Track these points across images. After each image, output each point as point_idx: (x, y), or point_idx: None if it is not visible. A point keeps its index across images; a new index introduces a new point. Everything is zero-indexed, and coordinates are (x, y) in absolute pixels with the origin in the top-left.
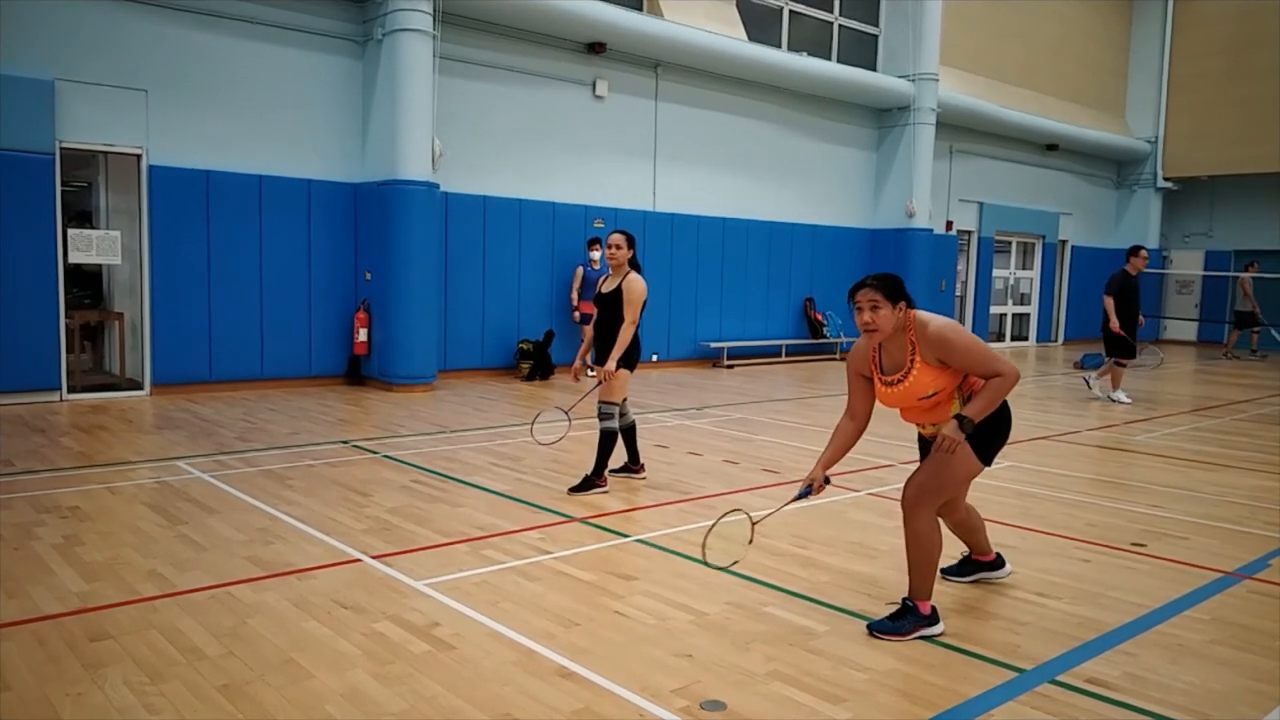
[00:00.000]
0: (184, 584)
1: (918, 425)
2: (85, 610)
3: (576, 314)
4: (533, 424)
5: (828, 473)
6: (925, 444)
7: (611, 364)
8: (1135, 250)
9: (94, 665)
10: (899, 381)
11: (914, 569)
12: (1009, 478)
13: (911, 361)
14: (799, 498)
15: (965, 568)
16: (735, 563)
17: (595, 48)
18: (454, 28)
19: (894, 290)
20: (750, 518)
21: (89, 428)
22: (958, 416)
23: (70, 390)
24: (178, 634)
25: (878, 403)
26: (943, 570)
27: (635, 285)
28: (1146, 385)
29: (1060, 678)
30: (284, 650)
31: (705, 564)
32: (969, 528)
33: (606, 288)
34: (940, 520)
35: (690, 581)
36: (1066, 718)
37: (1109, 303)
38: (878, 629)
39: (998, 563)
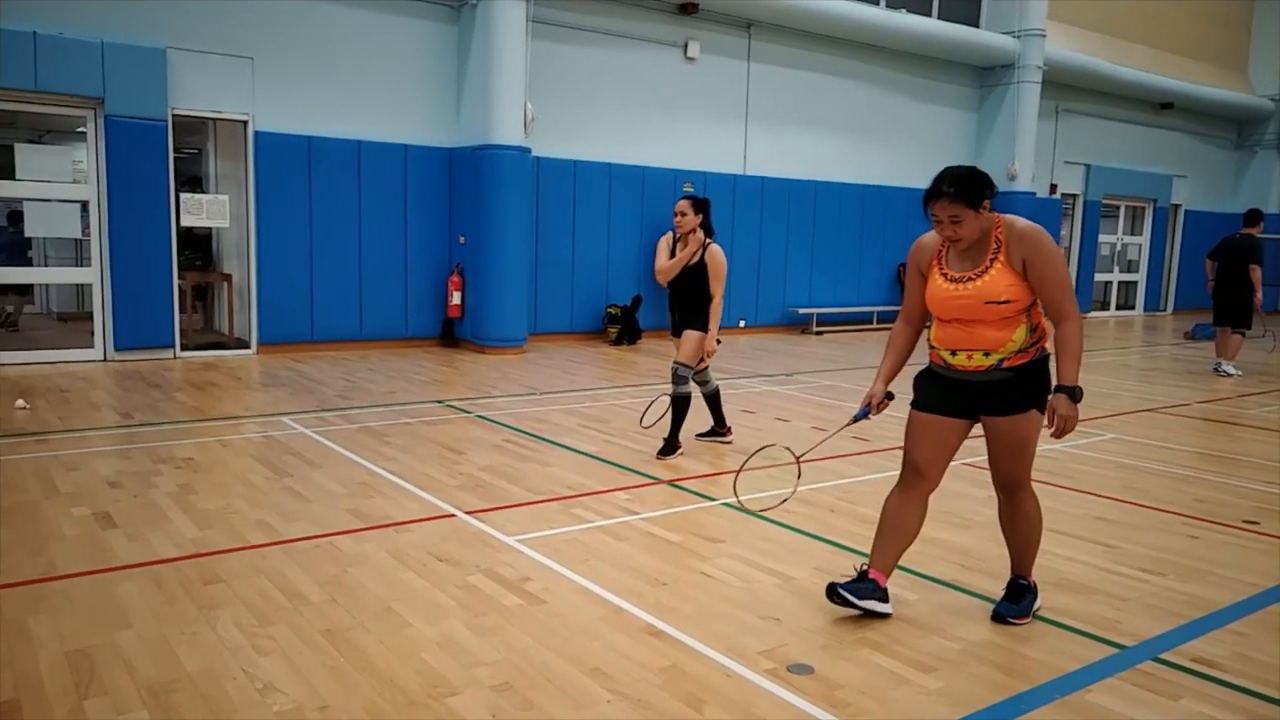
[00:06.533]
0: (289, 533)
1: (952, 350)
2: (199, 555)
3: None
4: (644, 414)
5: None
6: (948, 383)
7: (712, 342)
8: (1261, 215)
9: (207, 607)
10: (969, 280)
11: (1027, 549)
12: (1112, 450)
13: (992, 261)
14: (857, 419)
15: (861, 585)
16: (783, 501)
17: (687, 8)
18: None
19: (975, 193)
20: (793, 454)
21: (201, 384)
22: (1065, 389)
23: (183, 348)
24: (284, 580)
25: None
26: (837, 584)
27: (719, 258)
28: (1262, 357)
29: (1164, 655)
30: (383, 599)
31: (742, 509)
32: (918, 523)
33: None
34: (910, 499)
35: (777, 545)
36: (1170, 696)
37: (1259, 274)
38: (1008, 615)
39: (884, 594)
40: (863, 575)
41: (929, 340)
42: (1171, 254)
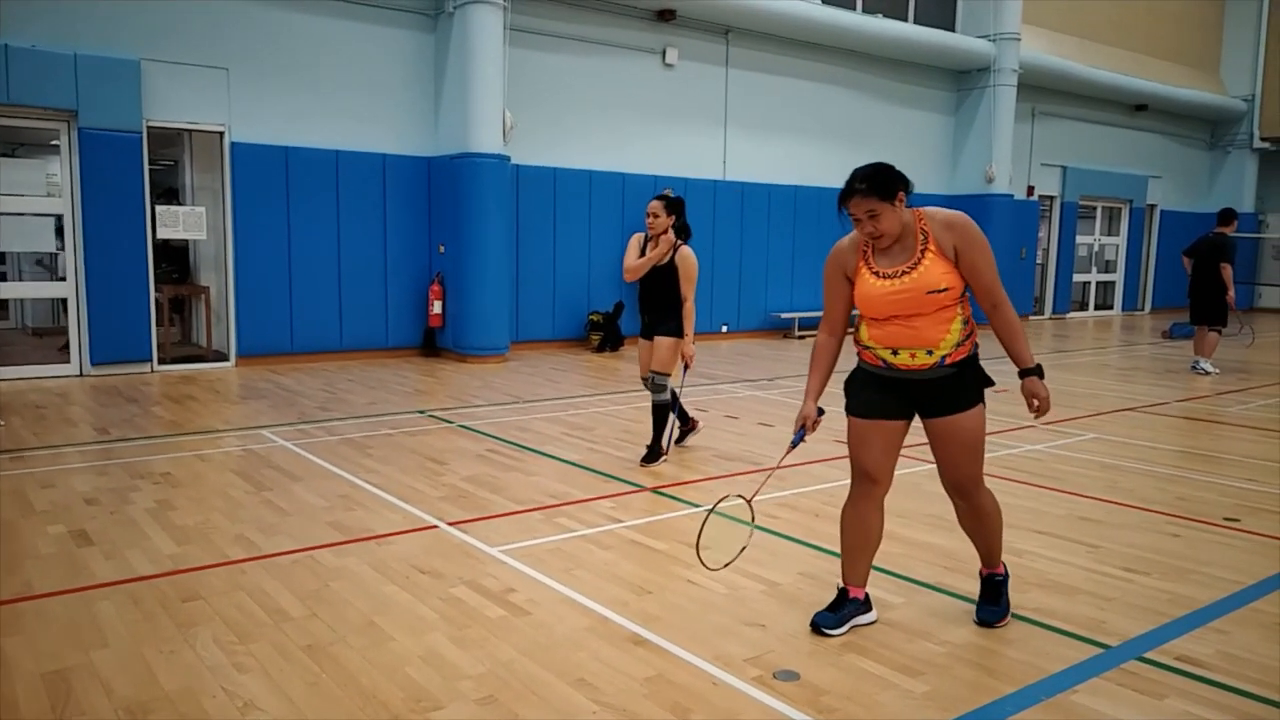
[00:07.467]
0: (269, 548)
1: (893, 349)
2: (177, 572)
3: None
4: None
5: (820, 404)
6: (886, 383)
7: (689, 345)
8: (1235, 214)
9: (186, 624)
10: (905, 274)
11: (992, 541)
12: (1094, 449)
13: (923, 251)
14: (794, 445)
15: (841, 610)
16: (743, 549)
17: (665, 15)
18: None
19: (886, 185)
20: (744, 498)
21: (179, 397)
22: (1031, 371)
23: (160, 362)
24: (264, 596)
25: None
26: (817, 619)
27: (690, 260)
28: (1240, 355)
29: (1148, 655)
30: (365, 613)
31: (706, 566)
32: (880, 528)
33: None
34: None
35: (762, 552)
36: (1155, 695)
37: (1229, 272)
38: (992, 619)
39: (865, 606)
40: (842, 594)
41: (862, 340)
42: (1148, 254)
